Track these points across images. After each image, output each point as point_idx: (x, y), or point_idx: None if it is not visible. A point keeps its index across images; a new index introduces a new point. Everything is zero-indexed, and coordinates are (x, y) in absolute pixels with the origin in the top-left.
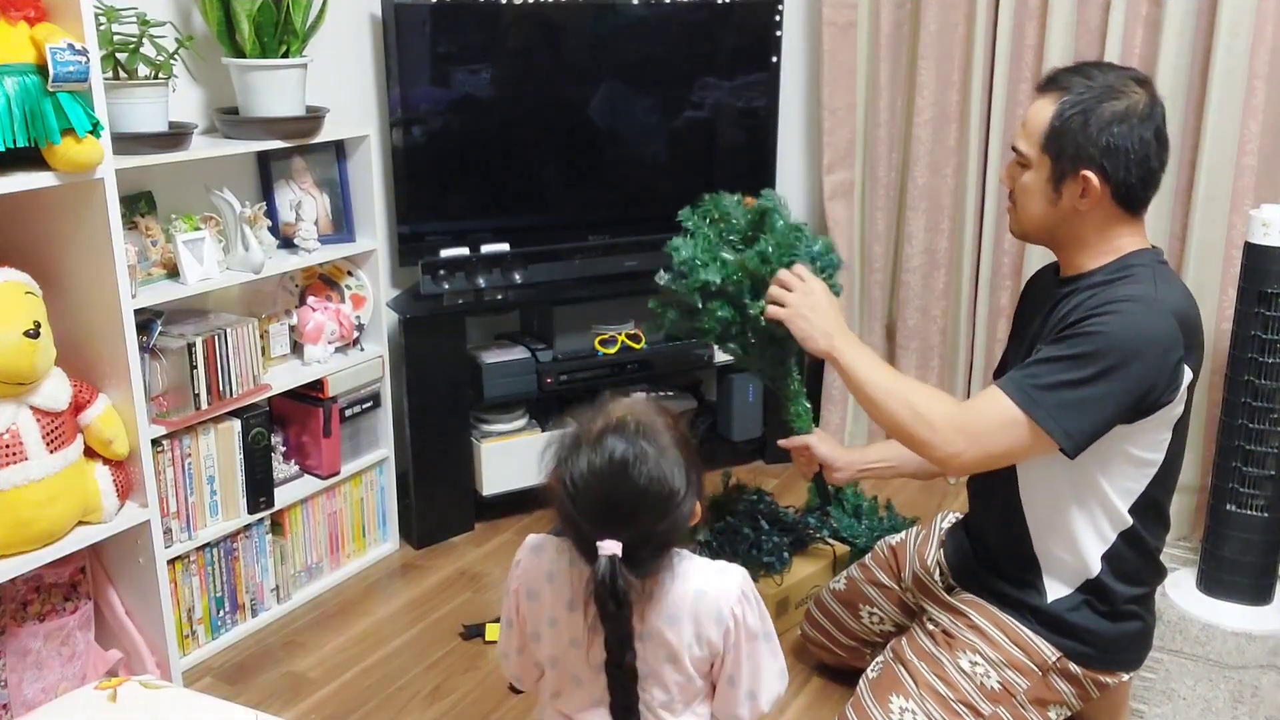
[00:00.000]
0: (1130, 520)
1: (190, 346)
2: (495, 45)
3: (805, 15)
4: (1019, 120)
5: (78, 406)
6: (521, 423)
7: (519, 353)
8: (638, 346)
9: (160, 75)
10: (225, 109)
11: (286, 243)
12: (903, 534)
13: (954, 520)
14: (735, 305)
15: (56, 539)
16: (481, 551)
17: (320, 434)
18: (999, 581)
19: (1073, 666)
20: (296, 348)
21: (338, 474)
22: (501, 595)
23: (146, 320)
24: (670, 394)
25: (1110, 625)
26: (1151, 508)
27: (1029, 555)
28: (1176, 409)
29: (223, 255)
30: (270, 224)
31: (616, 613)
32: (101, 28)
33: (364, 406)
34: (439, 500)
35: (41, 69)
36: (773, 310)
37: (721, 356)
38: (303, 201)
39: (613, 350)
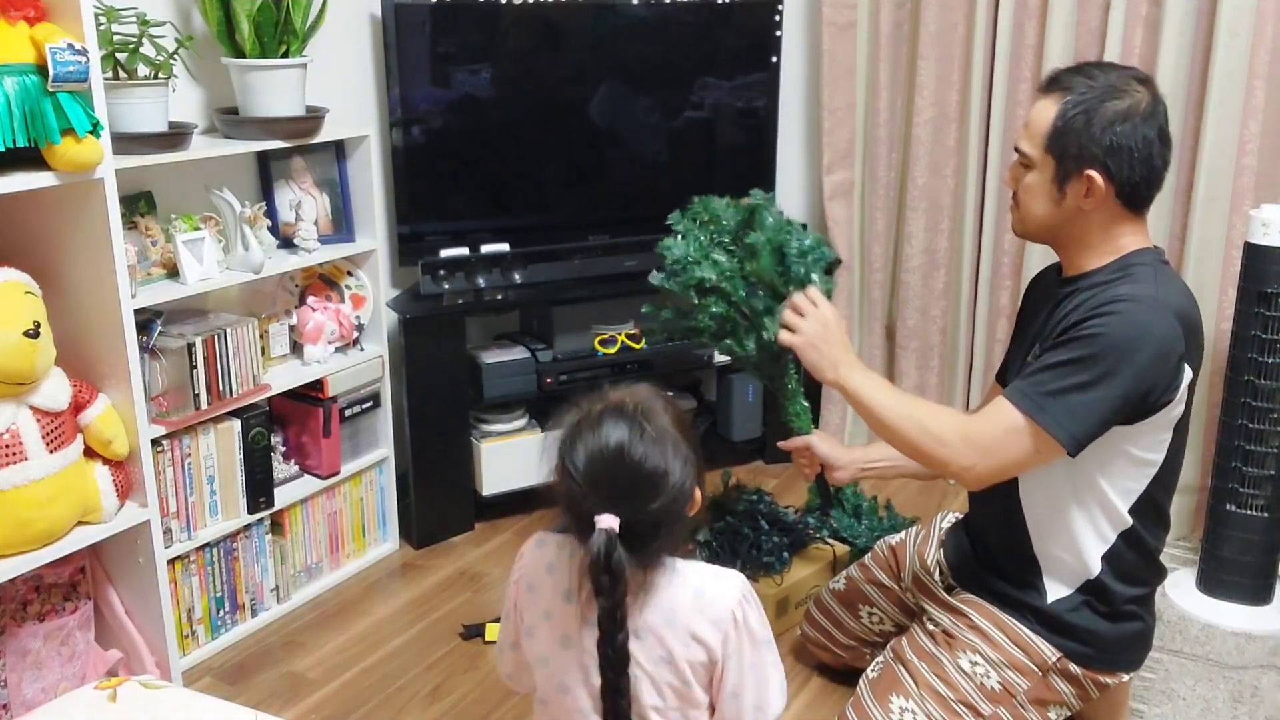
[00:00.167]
0: (1130, 521)
1: (190, 346)
2: (495, 45)
3: (805, 15)
4: (1019, 120)
5: (77, 406)
6: (521, 423)
7: (519, 353)
8: (638, 346)
9: (160, 75)
10: (225, 109)
11: (286, 243)
12: (902, 534)
13: (954, 520)
14: (738, 309)
15: (56, 539)
16: (481, 551)
17: (320, 434)
18: (999, 582)
19: (1073, 667)
20: (296, 348)
21: (337, 474)
22: (501, 595)
23: (146, 320)
24: (670, 394)
25: (1110, 626)
26: (1152, 508)
27: (1029, 556)
28: (1177, 409)
29: (222, 255)
30: (270, 224)
31: (611, 588)
32: (101, 28)
33: (364, 406)
34: (439, 500)
35: (41, 69)
36: (785, 337)
37: (722, 356)
38: (302, 201)
39: (613, 350)
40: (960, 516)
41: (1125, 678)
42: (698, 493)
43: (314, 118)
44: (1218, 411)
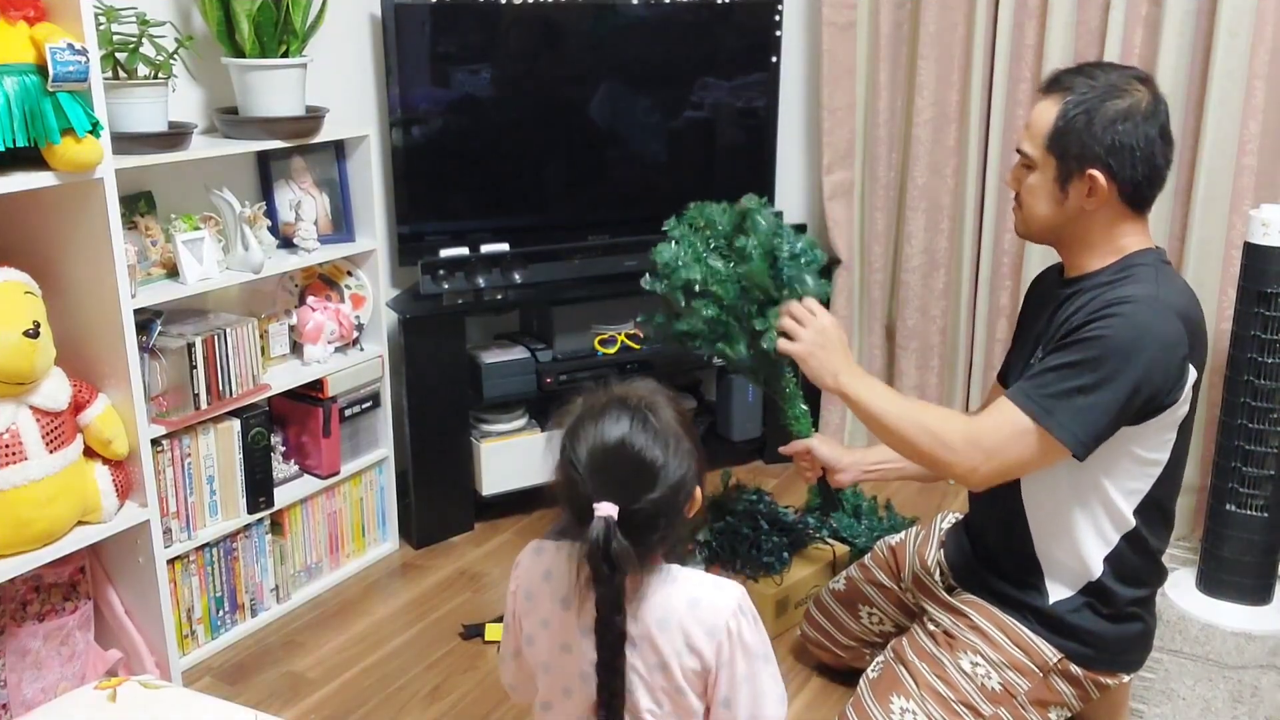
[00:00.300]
0: (1134, 521)
1: (190, 346)
2: (495, 45)
3: (805, 15)
4: (1019, 120)
5: (77, 406)
6: (521, 423)
7: (519, 353)
8: (637, 346)
9: (160, 75)
10: (225, 109)
11: (286, 243)
12: (902, 534)
13: (954, 520)
14: (731, 312)
15: (56, 539)
16: (481, 551)
17: (320, 434)
18: (1000, 582)
19: (1074, 668)
20: (296, 348)
21: (337, 474)
22: (501, 594)
23: (146, 320)
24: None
25: (1111, 627)
26: (1156, 508)
27: (1030, 556)
28: (1182, 409)
29: (222, 255)
30: (270, 224)
31: (609, 576)
32: (101, 28)
33: (363, 406)
34: (438, 500)
35: (41, 69)
36: (785, 345)
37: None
38: (302, 201)
39: (612, 350)
40: (960, 517)
41: (1126, 678)
42: (698, 492)
43: (314, 118)
44: (1217, 411)
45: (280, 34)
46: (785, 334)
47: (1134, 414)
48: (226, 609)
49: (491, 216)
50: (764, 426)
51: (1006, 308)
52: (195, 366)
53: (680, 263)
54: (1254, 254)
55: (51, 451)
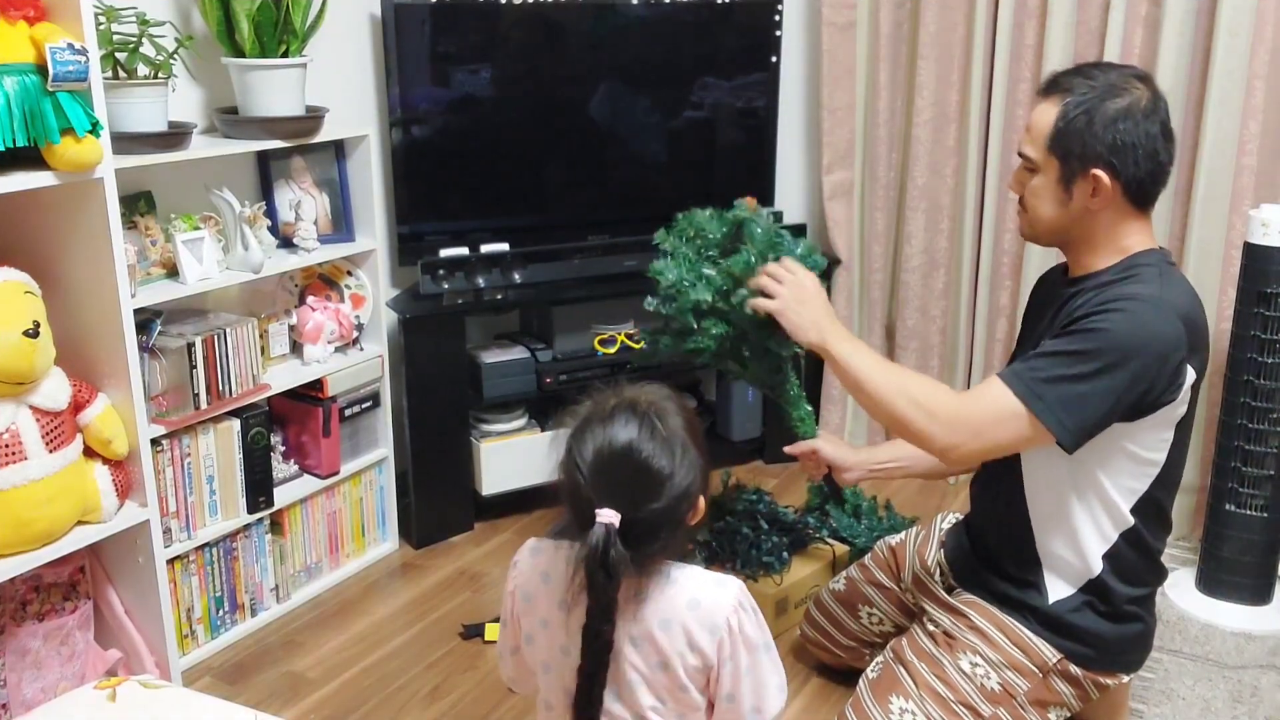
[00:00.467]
0: (1132, 520)
1: (190, 346)
2: (495, 45)
3: (805, 15)
4: (1019, 120)
5: (77, 406)
6: (521, 422)
7: (518, 352)
8: (637, 346)
9: (160, 75)
10: (225, 109)
11: (286, 242)
12: (902, 534)
13: (954, 520)
14: (727, 320)
15: (56, 539)
16: (481, 551)
17: (320, 434)
18: (1000, 582)
19: (1073, 668)
20: (296, 347)
21: (337, 474)
22: (501, 594)
23: (146, 320)
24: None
25: (1111, 627)
26: (1153, 508)
27: (1031, 553)
28: (1179, 409)
29: (222, 255)
30: (270, 224)
31: (605, 584)
32: (101, 27)
33: (363, 406)
34: (438, 500)
35: (41, 69)
36: (762, 303)
37: None
38: (302, 201)
39: (612, 350)
40: (960, 517)
41: (1125, 679)
42: (701, 501)
43: (314, 117)
44: (1217, 411)
45: (280, 34)
46: (764, 293)
47: (1127, 410)
48: (226, 609)
49: (491, 216)
50: (764, 426)
51: (1006, 308)
52: (195, 366)
53: (687, 283)
54: (1254, 254)
55: (51, 451)
